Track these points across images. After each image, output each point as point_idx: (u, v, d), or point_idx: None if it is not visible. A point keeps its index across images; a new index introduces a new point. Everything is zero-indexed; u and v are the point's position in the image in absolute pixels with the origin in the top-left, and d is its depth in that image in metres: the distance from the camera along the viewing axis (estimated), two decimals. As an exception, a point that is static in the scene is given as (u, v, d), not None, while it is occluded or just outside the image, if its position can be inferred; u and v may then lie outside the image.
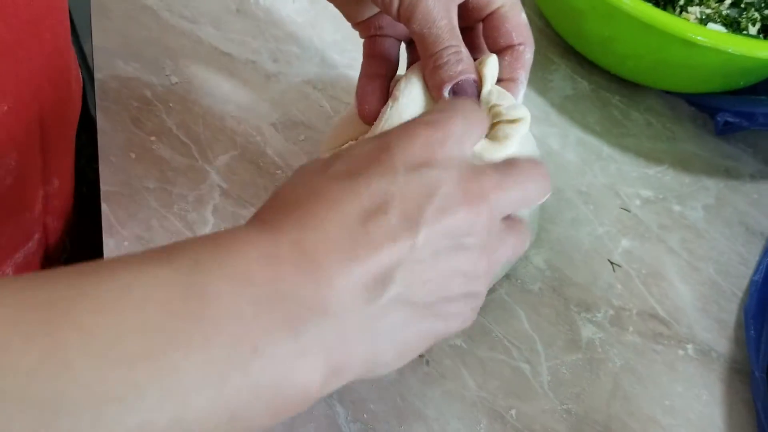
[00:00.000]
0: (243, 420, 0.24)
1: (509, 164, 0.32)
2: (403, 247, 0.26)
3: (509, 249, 0.32)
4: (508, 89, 0.38)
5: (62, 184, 0.49)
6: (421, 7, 0.35)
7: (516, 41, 0.39)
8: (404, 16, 0.35)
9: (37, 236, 0.48)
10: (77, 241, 0.54)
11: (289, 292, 0.24)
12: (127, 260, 0.24)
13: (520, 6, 0.39)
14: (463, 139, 0.31)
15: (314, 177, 0.29)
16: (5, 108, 0.39)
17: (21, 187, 0.43)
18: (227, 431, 0.24)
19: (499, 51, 0.39)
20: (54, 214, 0.49)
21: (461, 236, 0.28)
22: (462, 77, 0.36)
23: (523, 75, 0.39)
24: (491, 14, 0.38)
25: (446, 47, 0.36)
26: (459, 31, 0.36)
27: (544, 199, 0.33)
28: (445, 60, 0.36)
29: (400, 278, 0.26)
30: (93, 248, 0.59)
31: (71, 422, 0.20)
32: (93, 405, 0.21)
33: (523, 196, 0.32)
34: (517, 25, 0.38)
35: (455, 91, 0.36)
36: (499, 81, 0.40)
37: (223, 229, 0.27)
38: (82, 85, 0.51)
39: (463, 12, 0.39)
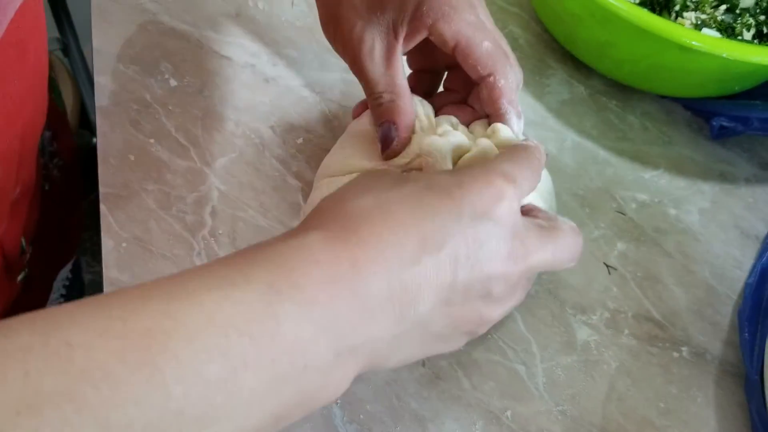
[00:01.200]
0: (285, 419, 0.27)
1: (554, 228, 0.34)
2: (443, 284, 0.29)
3: (516, 300, 0.35)
4: (498, 122, 0.40)
5: (24, 189, 0.50)
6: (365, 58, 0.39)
7: (483, 73, 0.39)
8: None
9: None
10: (37, 241, 0.54)
11: (341, 315, 0.27)
12: (208, 284, 0.26)
13: (482, 35, 0.38)
14: (524, 193, 0.34)
15: (385, 192, 0.31)
16: None
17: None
18: (271, 429, 0.27)
19: (476, 85, 0.40)
20: (16, 218, 0.50)
21: (492, 287, 0.31)
22: (383, 120, 0.39)
23: (504, 104, 0.39)
24: (455, 53, 0.39)
25: (374, 93, 0.40)
26: (396, 79, 0.39)
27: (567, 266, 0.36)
28: (374, 103, 0.40)
29: (430, 310, 0.29)
30: (52, 245, 0.60)
31: None
32: (181, 427, 0.23)
33: (553, 262, 0.34)
34: (480, 57, 0.38)
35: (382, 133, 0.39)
36: (487, 116, 0.41)
37: (290, 235, 0.29)
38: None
39: (430, 55, 0.42)
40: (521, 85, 0.41)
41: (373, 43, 0.39)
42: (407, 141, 0.40)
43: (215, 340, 0.24)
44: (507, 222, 0.31)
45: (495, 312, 0.33)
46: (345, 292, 0.27)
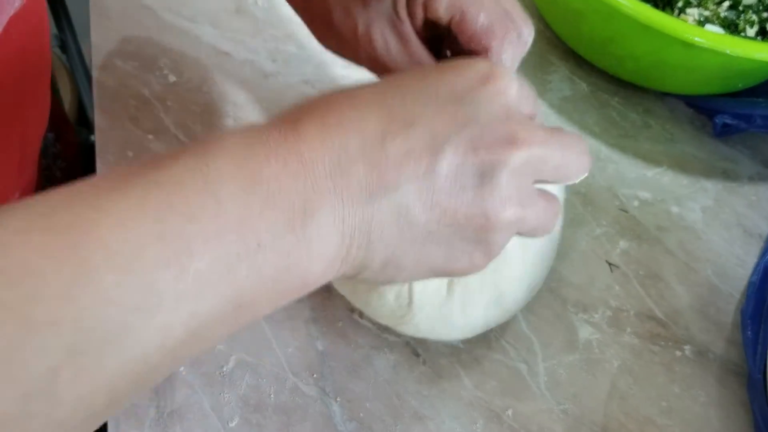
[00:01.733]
0: (247, 307, 0.25)
1: (555, 129, 0.30)
2: (417, 167, 0.26)
3: (540, 212, 0.30)
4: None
5: (24, 193, 0.49)
6: None
7: (479, 48, 0.34)
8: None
9: None
10: None
11: (290, 189, 0.25)
12: (142, 172, 0.24)
13: (478, 7, 0.33)
14: (515, 94, 0.29)
15: (357, 87, 0.28)
16: None
17: None
18: (234, 319, 0.25)
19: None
20: None
21: (488, 177, 0.27)
22: None
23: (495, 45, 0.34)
24: (451, 27, 0.35)
25: None
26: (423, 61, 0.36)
27: (580, 178, 0.31)
28: None
29: (406, 193, 0.26)
30: None
31: (100, 337, 0.21)
32: (120, 317, 0.22)
33: (562, 164, 0.29)
34: (474, 33, 0.34)
35: None
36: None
37: (243, 129, 0.27)
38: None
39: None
40: (528, 45, 0.36)
41: (384, 38, 0.36)
42: None
43: (149, 226, 0.22)
44: (497, 104, 0.28)
45: (503, 212, 0.28)
46: (293, 165, 0.25)
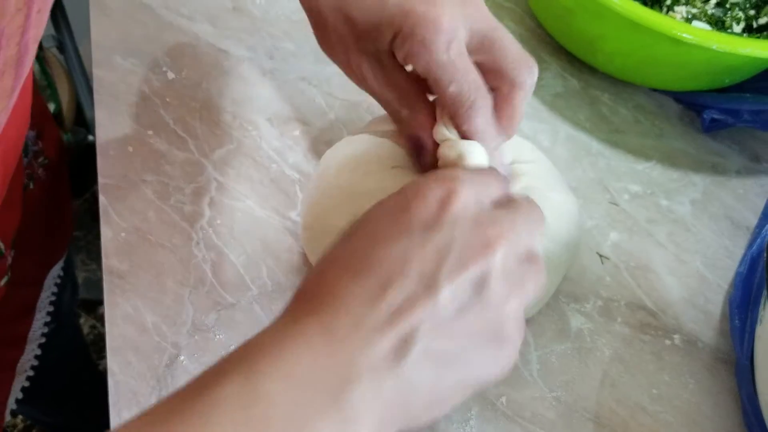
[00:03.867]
0: None
1: (515, 202, 0.32)
2: (423, 309, 0.28)
3: (532, 285, 0.32)
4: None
5: (5, 196, 0.49)
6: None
7: (451, 109, 0.36)
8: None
9: None
10: (21, 242, 0.54)
11: (327, 375, 0.27)
12: (200, 385, 0.27)
13: (450, 74, 0.34)
14: (476, 191, 0.31)
15: (337, 251, 0.30)
16: None
17: None
18: None
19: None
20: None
21: (482, 285, 0.29)
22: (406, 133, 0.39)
23: (473, 135, 0.36)
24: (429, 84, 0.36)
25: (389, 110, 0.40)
26: (407, 94, 0.38)
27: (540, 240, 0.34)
28: (394, 118, 0.40)
29: (423, 337, 0.28)
30: (39, 245, 0.59)
31: None
32: None
33: (532, 230, 0.32)
34: (447, 99, 0.35)
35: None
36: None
37: (268, 330, 0.29)
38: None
39: None
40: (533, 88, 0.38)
41: (371, 69, 0.38)
42: (434, 147, 0.38)
43: (212, 429, 0.25)
44: (464, 218, 0.30)
45: (504, 308, 0.30)
46: (323, 357, 0.27)
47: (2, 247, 0.51)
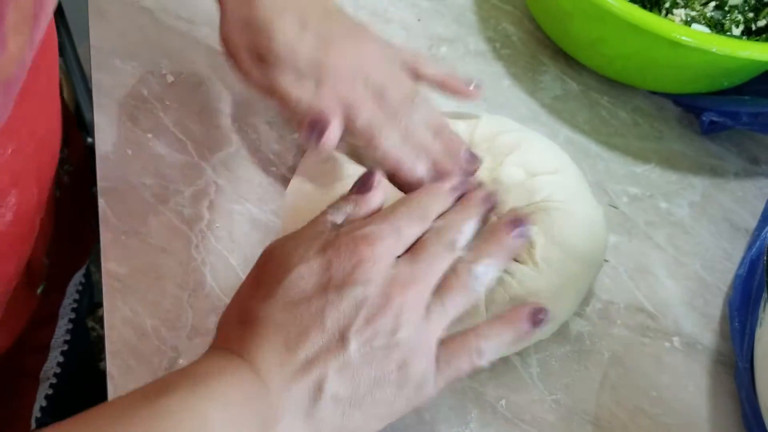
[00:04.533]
0: None
1: (417, 250, 0.35)
2: (335, 359, 0.32)
3: (437, 318, 0.35)
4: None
5: (43, 206, 0.49)
6: None
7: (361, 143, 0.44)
8: None
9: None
10: (53, 250, 0.54)
11: (256, 411, 0.31)
12: (139, 404, 0.29)
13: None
14: (384, 250, 0.34)
15: (262, 303, 0.34)
16: (9, 150, 0.40)
17: (20, 222, 0.44)
18: None
19: None
20: (40, 238, 0.50)
21: (391, 334, 0.33)
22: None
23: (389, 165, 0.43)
24: None
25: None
26: None
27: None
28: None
29: (333, 383, 0.32)
30: (67, 252, 0.59)
31: None
32: None
33: (433, 274, 0.35)
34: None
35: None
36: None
37: (201, 362, 0.33)
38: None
39: None
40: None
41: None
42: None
43: None
44: (377, 275, 0.33)
45: (415, 344, 0.33)
46: (251, 392, 0.31)
47: (42, 256, 0.51)
